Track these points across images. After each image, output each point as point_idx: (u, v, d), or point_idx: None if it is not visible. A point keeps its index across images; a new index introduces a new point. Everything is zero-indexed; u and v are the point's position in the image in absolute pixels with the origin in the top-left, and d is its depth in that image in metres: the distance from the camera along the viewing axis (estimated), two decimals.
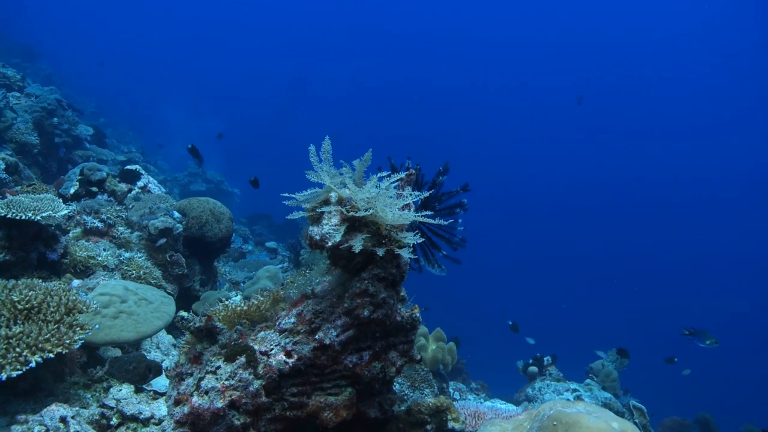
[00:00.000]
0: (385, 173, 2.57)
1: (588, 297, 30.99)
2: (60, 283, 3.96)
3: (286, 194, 2.45)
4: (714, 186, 42.06)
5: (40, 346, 2.69)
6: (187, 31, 46.89)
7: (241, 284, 7.99)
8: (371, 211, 2.38)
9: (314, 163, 2.47)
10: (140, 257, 5.15)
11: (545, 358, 7.90)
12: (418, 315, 2.78)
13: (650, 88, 43.88)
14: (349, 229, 2.46)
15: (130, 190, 6.48)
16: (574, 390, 7.25)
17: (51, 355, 2.69)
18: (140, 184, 6.77)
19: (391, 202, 2.48)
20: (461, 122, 47.65)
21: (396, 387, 5.10)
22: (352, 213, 2.42)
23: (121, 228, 5.50)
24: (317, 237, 2.47)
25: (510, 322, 9.26)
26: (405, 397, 5.10)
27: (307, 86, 48.84)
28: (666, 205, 41.62)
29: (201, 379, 2.46)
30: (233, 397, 2.38)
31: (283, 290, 3.73)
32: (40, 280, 3.17)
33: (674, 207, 41.49)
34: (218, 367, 2.46)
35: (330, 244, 2.42)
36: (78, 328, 2.90)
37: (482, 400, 7.36)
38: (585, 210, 41.09)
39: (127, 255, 5.05)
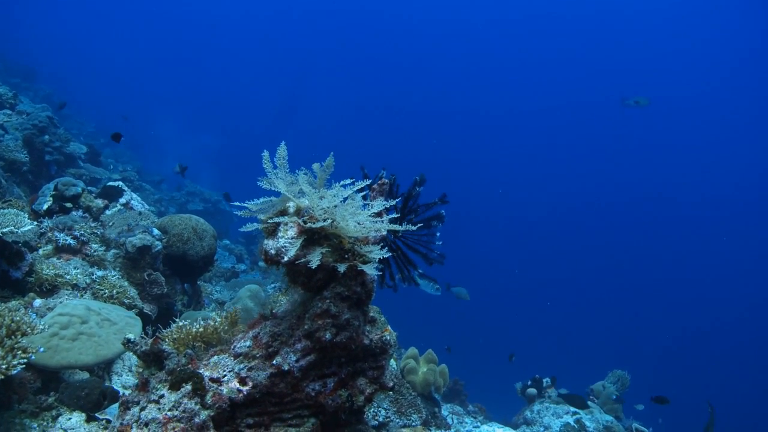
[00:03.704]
0: (348, 180, 2.34)
1: (587, 316, 30.40)
2: (19, 303, 3.75)
3: (237, 203, 2.22)
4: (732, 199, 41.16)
5: None
6: (181, 47, 46.83)
7: (227, 304, 7.74)
8: (329, 221, 2.15)
9: (268, 170, 2.24)
10: (114, 276, 4.90)
11: (544, 380, 7.59)
12: (388, 338, 2.54)
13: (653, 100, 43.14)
14: (307, 243, 2.23)
15: (106, 207, 6.24)
16: (575, 413, 6.94)
17: None
18: (122, 200, 6.54)
19: (354, 212, 2.25)
20: (451, 141, 47.15)
21: (382, 413, 4.84)
22: (310, 224, 2.19)
23: (95, 245, 5.26)
24: (272, 251, 2.24)
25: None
26: (391, 424, 4.83)
27: (300, 102, 48.64)
28: (669, 217, 40.87)
29: (143, 408, 2.22)
30: (176, 429, 2.13)
31: (263, 310, 3.49)
32: None
33: (674, 217, 40.69)
34: (162, 396, 2.22)
35: (285, 259, 2.19)
36: (20, 352, 2.67)
37: (479, 424, 7.07)
38: (582, 225, 40.39)
39: (99, 273, 4.81)
